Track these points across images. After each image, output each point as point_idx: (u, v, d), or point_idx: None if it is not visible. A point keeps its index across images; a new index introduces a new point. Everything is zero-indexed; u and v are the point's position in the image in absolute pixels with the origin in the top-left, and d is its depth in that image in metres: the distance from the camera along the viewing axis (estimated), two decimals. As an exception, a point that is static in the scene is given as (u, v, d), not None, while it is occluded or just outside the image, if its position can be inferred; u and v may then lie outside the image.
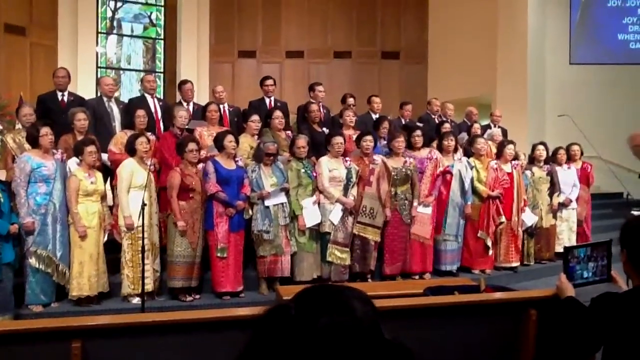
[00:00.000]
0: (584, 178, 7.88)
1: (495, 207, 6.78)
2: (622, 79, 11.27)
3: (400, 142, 6.40)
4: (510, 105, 10.64)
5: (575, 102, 10.76)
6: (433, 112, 8.50)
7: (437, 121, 8.13)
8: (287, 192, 5.88)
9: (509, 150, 7.01)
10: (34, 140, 5.25)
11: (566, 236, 7.59)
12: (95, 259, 5.30)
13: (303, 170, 5.99)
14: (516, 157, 7.23)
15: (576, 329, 2.23)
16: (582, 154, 8.02)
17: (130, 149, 5.52)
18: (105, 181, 5.89)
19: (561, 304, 2.46)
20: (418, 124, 7.80)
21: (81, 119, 5.83)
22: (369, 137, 6.29)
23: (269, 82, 7.49)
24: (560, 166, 7.65)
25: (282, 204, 5.83)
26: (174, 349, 2.51)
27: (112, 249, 5.57)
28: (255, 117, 6.40)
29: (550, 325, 2.84)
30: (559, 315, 2.46)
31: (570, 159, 7.92)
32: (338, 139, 6.10)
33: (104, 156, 5.90)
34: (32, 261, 5.12)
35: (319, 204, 5.99)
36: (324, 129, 6.98)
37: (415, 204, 6.40)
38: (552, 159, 7.64)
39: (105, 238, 5.49)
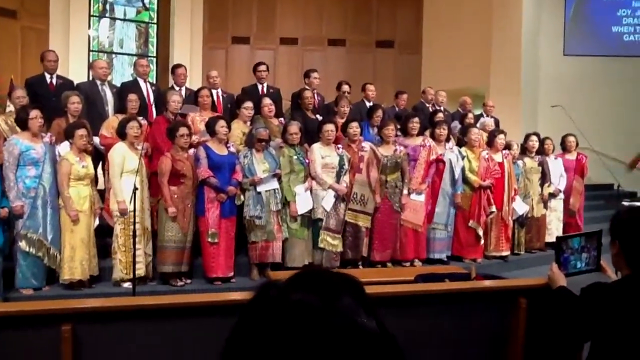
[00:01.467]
0: (579, 169, 7.92)
1: (487, 197, 6.81)
2: (615, 71, 11.29)
3: (390, 130, 6.39)
4: (503, 96, 10.64)
5: (568, 93, 10.76)
6: (427, 101, 8.50)
7: (430, 110, 8.13)
8: (279, 178, 5.87)
9: (500, 140, 7.03)
10: (23, 123, 5.20)
11: (554, 226, 7.66)
12: (86, 242, 5.28)
13: (295, 157, 5.98)
14: (507, 147, 7.25)
15: (567, 318, 2.25)
16: (577, 145, 8.06)
17: (121, 133, 5.48)
18: (96, 165, 5.86)
19: (553, 293, 2.47)
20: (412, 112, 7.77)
21: (75, 102, 5.78)
22: (355, 124, 6.30)
23: (262, 67, 7.45)
24: (547, 156, 7.70)
25: (274, 190, 5.82)
26: (165, 333, 2.51)
27: (100, 234, 5.54)
28: (249, 104, 6.36)
29: (540, 314, 2.86)
30: (550, 304, 2.47)
31: (565, 149, 7.97)
32: (329, 127, 6.09)
33: (96, 140, 5.86)
34: (23, 245, 5.08)
35: (311, 190, 5.98)
36: (317, 116, 6.96)
37: (405, 192, 6.41)
38: (540, 149, 7.68)
39: (97, 222, 5.47)
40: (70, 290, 5.23)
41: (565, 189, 7.74)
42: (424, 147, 6.54)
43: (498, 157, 6.98)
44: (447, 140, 6.88)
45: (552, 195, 7.62)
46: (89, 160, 5.43)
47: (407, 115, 6.97)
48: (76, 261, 5.22)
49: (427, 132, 6.97)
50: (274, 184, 5.83)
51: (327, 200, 5.98)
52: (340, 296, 0.84)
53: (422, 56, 13.02)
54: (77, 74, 9.15)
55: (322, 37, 12.90)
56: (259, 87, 7.38)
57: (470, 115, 8.14)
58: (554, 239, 7.25)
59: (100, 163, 6.14)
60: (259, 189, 5.73)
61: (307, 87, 7.35)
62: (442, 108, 8.23)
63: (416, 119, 6.69)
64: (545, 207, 7.58)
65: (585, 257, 2.68)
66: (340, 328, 0.80)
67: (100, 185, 5.92)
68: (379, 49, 13.05)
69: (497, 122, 8.50)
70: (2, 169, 5.19)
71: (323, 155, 6.03)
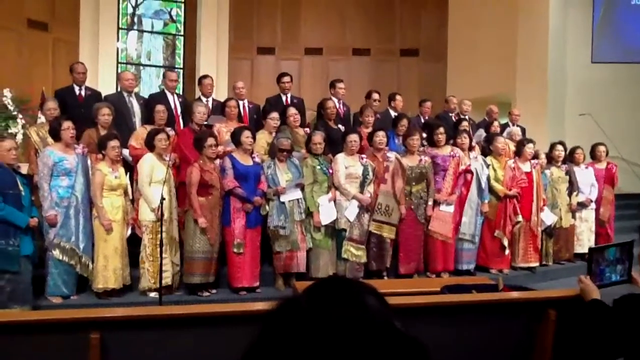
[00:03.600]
0: (609, 178, 7.78)
1: (513, 207, 6.71)
2: (645, 78, 11.07)
3: (415, 139, 6.35)
4: (530, 104, 10.52)
5: (596, 101, 10.58)
6: (450, 110, 8.44)
7: (454, 119, 8.07)
8: (302, 187, 5.88)
9: (529, 149, 6.93)
10: (56, 134, 5.33)
11: (586, 237, 7.50)
12: (119, 252, 5.37)
13: (319, 167, 5.98)
14: (536, 156, 7.15)
15: (601, 331, 2.20)
16: (607, 154, 7.92)
17: (150, 144, 5.55)
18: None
19: (586, 306, 2.42)
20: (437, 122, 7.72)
21: (105, 114, 5.88)
22: (381, 133, 6.27)
23: (286, 79, 7.48)
24: (577, 166, 7.56)
25: (297, 199, 5.83)
26: (191, 342, 2.53)
27: (129, 243, 5.60)
28: (275, 115, 6.40)
29: (570, 326, 2.80)
30: (583, 317, 2.42)
31: (595, 159, 7.84)
32: (352, 137, 6.07)
33: (125, 151, 5.95)
34: (56, 253, 5.19)
35: (334, 201, 5.97)
36: (340, 125, 6.96)
37: (430, 203, 6.35)
38: (569, 158, 7.55)
39: (129, 232, 5.55)
40: (98, 299, 5.31)
41: (596, 199, 7.59)
42: (454, 157, 6.49)
43: (526, 167, 6.88)
44: (471, 149, 6.82)
45: (583, 206, 7.48)
46: (121, 171, 5.52)
47: (433, 125, 6.91)
48: (109, 270, 5.31)
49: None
50: (298, 194, 5.84)
51: (351, 210, 5.96)
52: (368, 301, 0.85)
53: (447, 64, 12.94)
54: (106, 86, 9.34)
55: (346, 47, 12.93)
56: (283, 97, 7.42)
57: (495, 123, 8.06)
58: (584, 250, 7.18)
59: (128, 174, 6.22)
60: (282, 198, 5.75)
61: (332, 97, 7.36)
62: (467, 117, 8.16)
63: (442, 129, 6.61)
64: (574, 217, 7.44)
65: (619, 269, 2.63)
66: (379, 332, 0.81)
67: (130, 195, 6.00)
68: (403, 58, 13.03)
69: (523, 131, 8.40)
70: (35, 179, 5.31)
71: (347, 166, 6.02)
